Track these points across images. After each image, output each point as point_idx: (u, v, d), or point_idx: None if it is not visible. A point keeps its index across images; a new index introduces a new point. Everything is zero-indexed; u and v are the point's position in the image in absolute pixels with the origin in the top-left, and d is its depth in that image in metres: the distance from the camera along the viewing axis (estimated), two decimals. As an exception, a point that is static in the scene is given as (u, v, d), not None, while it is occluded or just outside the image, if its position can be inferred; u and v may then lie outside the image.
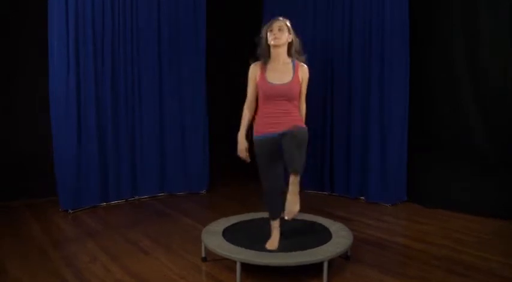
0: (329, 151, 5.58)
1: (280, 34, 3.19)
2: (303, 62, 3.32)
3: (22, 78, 5.18)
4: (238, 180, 6.04)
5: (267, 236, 3.38)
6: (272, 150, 3.22)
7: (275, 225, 3.36)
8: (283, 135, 3.12)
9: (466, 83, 5.00)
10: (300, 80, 3.28)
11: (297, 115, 3.29)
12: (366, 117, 5.23)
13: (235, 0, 6.35)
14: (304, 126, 3.22)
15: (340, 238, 3.36)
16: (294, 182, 3.05)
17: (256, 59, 3.35)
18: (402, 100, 5.03)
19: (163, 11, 5.37)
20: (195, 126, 5.65)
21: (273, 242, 3.29)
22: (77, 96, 4.80)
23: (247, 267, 3.11)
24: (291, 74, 3.24)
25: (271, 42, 3.20)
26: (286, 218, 3.11)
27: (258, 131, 3.31)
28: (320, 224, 3.71)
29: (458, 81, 5.06)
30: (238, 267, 3.03)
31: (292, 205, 3.07)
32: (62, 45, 4.67)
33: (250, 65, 3.36)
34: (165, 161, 5.55)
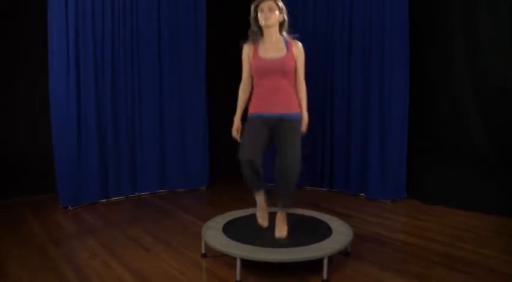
0: (329, 148, 5.59)
1: (270, 14, 3.17)
2: (295, 39, 3.32)
3: (22, 78, 5.18)
4: (238, 176, 6.02)
5: (267, 232, 3.40)
6: (259, 127, 3.22)
7: (256, 197, 3.42)
8: (275, 128, 3.18)
9: (466, 83, 5.00)
10: (295, 55, 3.25)
11: (292, 95, 3.28)
12: (366, 117, 5.23)
13: (235, 0, 6.35)
14: (297, 110, 3.25)
15: (340, 234, 3.37)
16: (280, 215, 3.38)
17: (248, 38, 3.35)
18: (402, 100, 5.04)
19: (163, 11, 5.39)
20: (195, 126, 5.66)
21: (260, 218, 3.45)
22: (77, 96, 4.81)
23: (247, 263, 3.11)
24: (285, 50, 3.23)
25: (261, 22, 3.19)
26: (277, 236, 3.31)
27: (251, 110, 3.32)
28: (320, 220, 3.71)
29: (459, 81, 5.07)
30: (238, 263, 3.03)
31: (279, 230, 3.35)
32: (62, 45, 4.68)
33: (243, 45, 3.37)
34: (165, 160, 5.56)
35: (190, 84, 5.61)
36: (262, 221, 3.46)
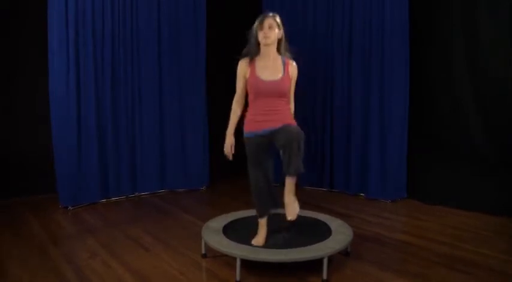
0: (329, 149, 5.59)
1: (270, 32, 3.17)
2: (290, 58, 3.33)
3: (22, 78, 5.18)
4: (238, 177, 6.02)
5: (267, 232, 3.39)
6: (260, 147, 3.25)
7: (262, 223, 3.36)
8: (274, 133, 3.15)
9: (466, 83, 5.01)
10: (291, 76, 3.29)
11: (287, 113, 3.30)
12: (366, 117, 5.23)
13: (235, 0, 6.36)
14: (295, 124, 3.22)
15: (340, 234, 3.37)
16: (289, 182, 3.10)
17: (243, 55, 3.33)
18: (402, 100, 5.04)
19: (163, 11, 5.39)
20: (195, 126, 5.66)
21: (258, 239, 3.28)
22: (77, 96, 4.82)
23: (247, 264, 3.11)
24: (282, 71, 3.24)
25: (262, 40, 3.19)
26: (289, 218, 3.14)
27: (247, 129, 3.30)
28: (320, 221, 3.71)
29: (459, 81, 5.07)
30: (238, 263, 3.03)
31: (291, 205, 3.12)
32: (62, 45, 4.68)
33: (238, 61, 3.36)
34: (165, 160, 5.57)
35: (190, 84, 5.60)
36: (258, 244, 3.25)
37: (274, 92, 3.21)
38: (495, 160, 4.84)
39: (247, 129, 3.30)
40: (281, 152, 3.04)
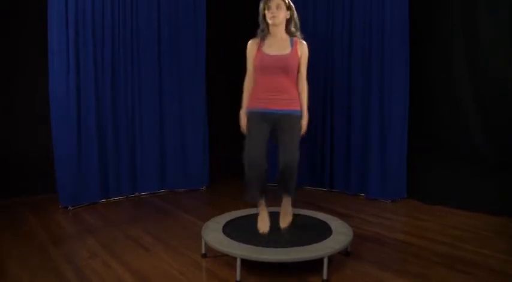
0: (329, 148, 5.59)
1: (277, 12, 3.18)
2: (301, 37, 3.33)
3: (22, 78, 5.17)
4: (238, 176, 6.03)
5: (268, 232, 3.41)
6: (260, 125, 3.23)
7: (260, 207, 3.42)
8: (279, 124, 3.20)
9: (466, 83, 5.00)
10: (299, 54, 3.26)
11: (293, 93, 3.27)
12: (366, 117, 5.24)
13: (235, 0, 6.36)
14: (298, 108, 3.26)
15: (340, 234, 3.37)
16: (286, 200, 3.39)
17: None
18: (402, 100, 5.04)
19: (163, 11, 5.39)
20: (195, 126, 5.66)
21: (260, 225, 3.39)
22: (77, 96, 4.81)
23: (247, 264, 3.11)
24: (289, 48, 3.24)
25: (269, 20, 3.20)
26: (282, 227, 3.34)
27: (250, 105, 3.32)
28: (320, 220, 3.71)
29: (459, 81, 5.07)
30: (238, 263, 3.03)
31: (286, 216, 3.41)
32: (62, 45, 4.68)
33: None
34: (165, 160, 5.56)
35: (190, 84, 5.60)
36: (264, 228, 3.41)
37: (279, 66, 3.19)
38: (495, 160, 4.84)
39: (251, 105, 3.30)
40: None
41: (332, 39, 5.49)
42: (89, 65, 4.88)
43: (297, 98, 3.31)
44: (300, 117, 3.30)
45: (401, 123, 5.06)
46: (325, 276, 3.01)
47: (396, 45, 4.97)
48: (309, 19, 5.60)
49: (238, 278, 3.02)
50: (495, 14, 4.73)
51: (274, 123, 3.25)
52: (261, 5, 3.28)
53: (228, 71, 6.36)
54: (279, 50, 3.23)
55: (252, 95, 3.33)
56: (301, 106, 3.32)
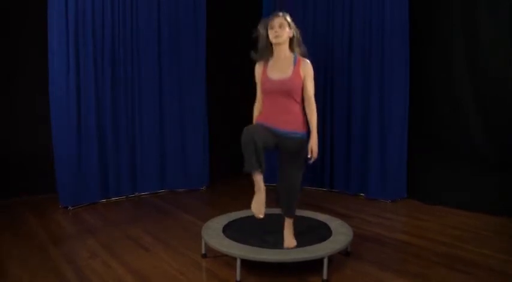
0: (329, 148, 5.59)
1: (281, 31, 3.15)
2: (305, 55, 3.27)
3: (22, 78, 5.17)
4: (238, 177, 6.04)
5: (267, 232, 3.42)
6: (266, 129, 3.12)
7: (256, 179, 3.05)
8: (282, 143, 3.17)
9: (466, 83, 5.00)
10: (302, 75, 3.17)
11: (297, 113, 3.20)
12: (366, 117, 5.24)
13: (235, 0, 6.36)
14: (299, 130, 3.19)
15: (340, 235, 3.37)
16: (287, 226, 3.32)
17: (258, 56, 3.30)
18: (402, 100, 5.04)
19: (163, 11, 5.38)
20: (195, 126, 5.66)
21: (253, 204, 3.08)
22: (77, 96, 4.82)
23: (247, 264, 3.11)
24: (291, 69, 3.17)
25: (273, 40, 3.17)
26: (284, 246, 3.25)
27: (258, 121, 3.28)
28: (320, 221, 3.72)
29: (458, 81, 5.07)
30: (238, 263, 3.03)
31: (287, 239, 3.28)
32: (62, 45, 4.68)
33: (250, 60, 3.34)
34: (165, 160, 5.56)
35: (190, 84, 5.60)
36: (258, 211, 3.08)
37: (281, 90, 3.16)
38: (495, 160, 4.84)
39: (259, 121, 3.26)
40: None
41: (332, 39, 5.49)
42: (89, 65, 4.88)
43: (300, 120, 3.22)
44: (302, 139, 3.21)
45: (401, 123, 5.06)
46: (325, 276, 3.01)
47: (396, 45, 4.97)
48: (309, 19, 5.60)
49: (238, 278, 3.02)
50: (495, 14, 4.74)
51: (279, 143, 3.19)
52: (263, 26, 3.23)
53: (228, 71, 6.37)
54: (282, 73, 3.18)
55: (260, 115, 3.31)
56: (304, 128, 3.24)
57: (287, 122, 3.17)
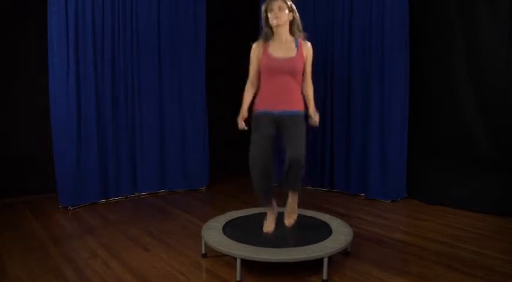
0: (329, 149, 5.59)
1: (280, 13, 3.19)
2: (305, 39, 3.34)
3: (22, 78, 5.17)
4: (238, 177, 6.05)
5: (271, 231, 3.44)
6: (267, 127, 3.25)
7: (267, 211, 3.48)
8: (284, 123, 3.23)
9: (466, 83, 5.00)
10: (305, 56, 3.29)
11: (298, 94, 3.32)
12: (366, 117, 5.23)
13: (235, 0, 6.36)
14: (302, 109, 3.31)
15: (340, 234, 3.37)
16: (293, 195, 3.41)
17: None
18: (402, 99, 5.03)
19: (163, 11, 5.38)
20: (195, 126, 5.66)
21: (267, 225, 3.45)
22: (77, 96, 4.81)
23: (247, 264, 3.11)
24: (295, 50, 3.26)
25: (272, 22, 3.21)
26: (286, 224, 3.39)
27: (259, 107, 3.33)
28: (320, 220, 3.72)
29: (458, 81, 5.07)
30: (238, 263, 3.03)
31: (291, 214, 3.43)
32: (62, 45, 4.67)
33: (250, 57, 3.38)
34: (165, 160, 5.55)
35: (190, 84, 5.60)
36: (270, 228, 3.47)
37: (286, 69, 3.22)
38: (495, 160, 4.84)
39: (259, 107, 3.32)
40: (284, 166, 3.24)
41: (332, 39, 5.48)
42: (89, 65, 4.88)
43: (302, 99, 3.36)
44: (303, 116, 3.33)
45: (401, 123, 5.06)
46: (325, 276, 3.02)
47: (396, 45, 4.96)
48: (309, 19, 5.58)
49: (238, 278, 3.02)
50: (495, 14, 4.73)
51: (280, 124, 3.27)
52: (263, 8, 3.29)
53: (228, 71, 6.37)
54: (285, 53, 3.26)
55: (260, 97, 3.36)
56: (303, 107, 3.36)
57: (291, 103, 3.26)
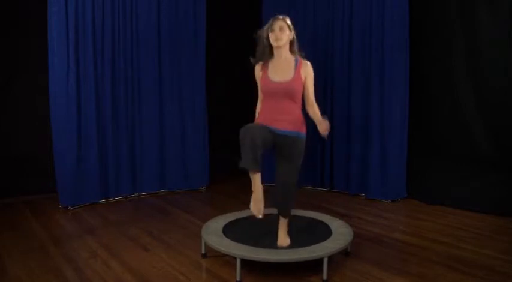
0: (329, 149, 5.59)
1: (281, 34, 3.17)
2: (304, 57, 3.30)
3: (22, 78, 5.17)
4: (238, 177, 6.04)
5: (267, 232, 3.41)
6: (268, 129, 3.13)
7: (253, 178, 3.05)
8: (280, 142, 3.17)
9: (466, 83, 5.02)
10: (303, 78, 3.21)
11: (296, 115, 3.22)
12: (366, 117, 5.23)
13: (235, 0, 6.36)
14: (300, 130, 3.22)
15: (340, 234, 3.37)
16: (282, 225, 3.33)
17: (257, 58, 3.32)
18: (402, 99, 5.03)
19: (163, 11, 5.38)
20: (195, 126, 5.66)
21: (254, 206, 3.07)
22: (77, 96, 4.81)
23: (247, 264, 3.11)
24: (293, 71, 3.20)
25: (273, 43, 3.19)
26: (278, 245, 3.28)
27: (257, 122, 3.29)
28: (320, 221, 3.72)
29: (458, 81, 5.08)
30: (238, 263, 3.03)
31: (281, 239, 3.31)
32: (62, 45, 4.67)
33: (249, 61, 3.36)
34: (165, 160, 5.56)
35: (190, 84, 5.60)
36: (257, 211, 3.07)
37: (282, 93, 3.18)
38: (495, 160, 4.85)
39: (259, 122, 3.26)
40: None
41: (332, 39, 5.48)
42: (89, 65, 4.88)
43: (300, 120, 3.25)
44: (301, 139, 3.24)
45: (401, 123, 5.06)
46: (325, 276, 3.02)
47: (396, 45, 4.96)
48: (309, 19, 5.59)
49: (238, 278, 3.02)
50: (495, 14, 4.73)
51: (276, 142, 3.20)
52: (265, 29, 3.24)
53: (228, 71, 6.37)
54: (283, 75, 3.20)
55: (260, 114, 3.34)
56: (303, 128, 3.26)
57: (286, 122, 3.19)
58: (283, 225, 3.34)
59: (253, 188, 3.06)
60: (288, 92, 3.18)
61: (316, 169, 5.66)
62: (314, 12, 5.61)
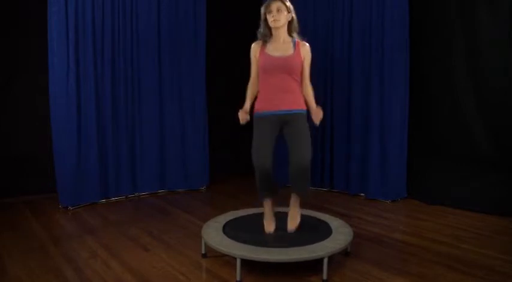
0: (329, 148, 5.59)
1: (278, 15, 3.21)
2: (302, 39, 3.37)
3: (22, 78, 5.17)
4: (238, 177, 6.05)
5: (273, 231, 3.44)
6: (268, 128, 3.27)
7: (265, 206, 3.47)
8: (288, 123, 3.25)
9: (466, 83, 5.00)
10: (302, 56, 3.29)
11: (298, 93, 3.31)
12: (366, 117, 5.23)
13: (235, 0, 6.36)
14: (303, 108, 3.31)
15: (340, 234, 3.37)
16: (295, 198, 3.43)
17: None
18: (402, 99, 5.03)
19: (163, 11, 5.38)
20: (195, 126, 5.66)
21: (267, 226, 3.44)
22: (77, 96, 4.81)
23: (247, 264, 3.11)
24: (292, 49, 3.27)
25: (271, 24, 3.23)
26: (289, 230, 3.39)
27: (258, 108, 3.35)
28: (320, 220, 3.72)
29: (458, 81, 5.07)
30: (238, 263, 3.03)
31: (294, 218, 3.43)
32: (62, 45, 4.67)
33: (250, 57, 3.41)
34: (165, 160, 5.56)
35: (190, 84, 5.60)
36: (270, 228, 3.45)
37: (284, 67, 3.22)
38: (495, 160, 4.84)
39: (260, 108, 3.33)
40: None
41: (332, 39, 5.48)
42: (89, 65, 4.88)
43: (302, 98, 3.35)
44: (305, 115, 3.34)
45: (401, 123, 5.06)
46: (325, 276, 3.01)
47: (396, 45, 4.96)
48: (309, 19, 5.59)
49: (238, 278, 3.02)
50: (495, 14, 4.73)
51: (282, 124, 3.30)
52: (262, 10, 3.31)
53: (228, 71, 6.37)
54: (282, 52, 3.27)
55: (260, 97, 3.37)
56: (305, 105, 3.37)
57: (290, 101, 3.26)
58: (296, 204, 3.44)
59: (264, 211, 3.47)
60: (288, 67, 3.23)
61: (316, 169, 5.65)
62: (314, 12, 5.62)
